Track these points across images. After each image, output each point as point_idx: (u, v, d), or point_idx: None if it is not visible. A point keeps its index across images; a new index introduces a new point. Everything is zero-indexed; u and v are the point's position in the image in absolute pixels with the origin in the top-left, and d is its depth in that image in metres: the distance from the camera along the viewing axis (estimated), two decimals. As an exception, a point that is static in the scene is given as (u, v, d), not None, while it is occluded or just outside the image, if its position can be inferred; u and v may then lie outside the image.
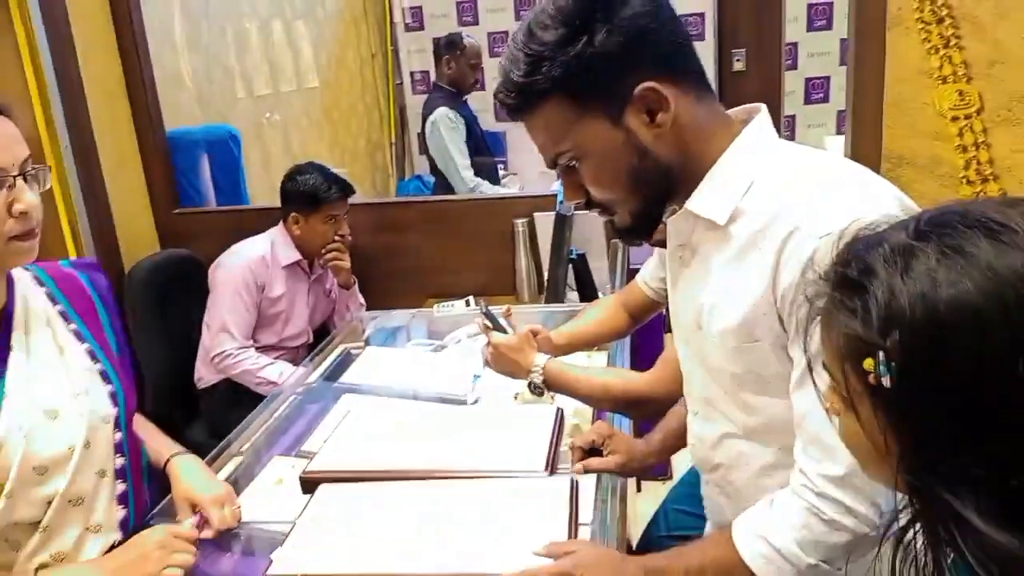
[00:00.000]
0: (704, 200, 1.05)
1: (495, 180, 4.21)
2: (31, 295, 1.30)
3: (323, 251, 2.75)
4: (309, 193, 2.67)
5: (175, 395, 2.74)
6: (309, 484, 1.40)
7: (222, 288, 2.64)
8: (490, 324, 1.69)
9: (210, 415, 2.71)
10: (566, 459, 1.52)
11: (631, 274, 1.92)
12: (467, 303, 2.57)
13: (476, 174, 4.04)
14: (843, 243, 0.74)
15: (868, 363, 0.66)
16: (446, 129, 3.86)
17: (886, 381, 0.65)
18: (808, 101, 5.48)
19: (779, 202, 0.98)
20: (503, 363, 1.63)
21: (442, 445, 1.49)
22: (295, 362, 2.63)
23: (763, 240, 0.98)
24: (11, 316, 1.25)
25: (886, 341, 0.65)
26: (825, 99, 5.44)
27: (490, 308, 1.72)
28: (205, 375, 2.72)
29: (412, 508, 1.28)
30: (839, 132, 5.15)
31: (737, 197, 1.03)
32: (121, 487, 1.33)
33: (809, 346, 0.78)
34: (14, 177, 1.15)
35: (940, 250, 0.65)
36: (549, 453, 1.42)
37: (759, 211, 1.00)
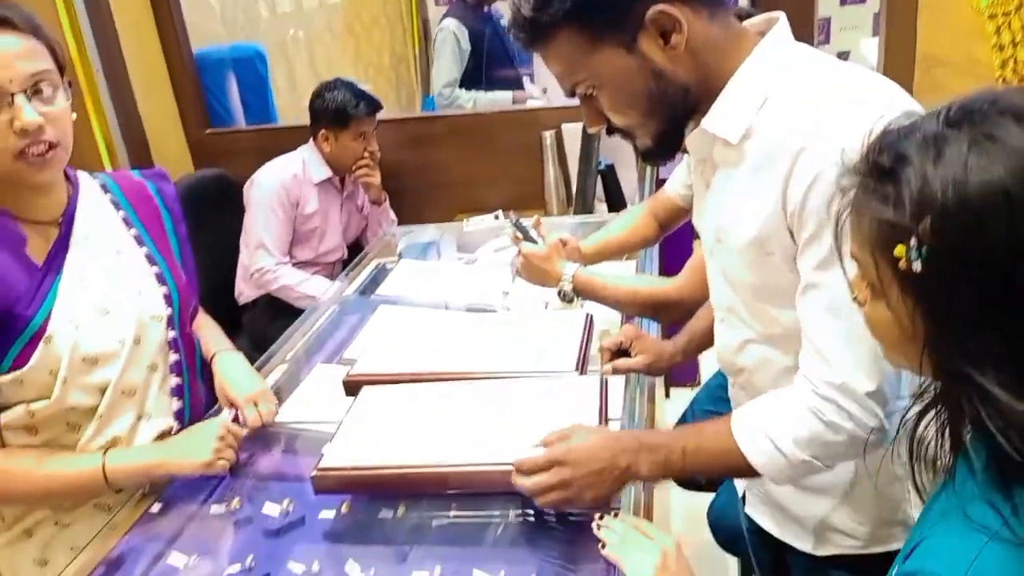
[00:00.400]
0: (718, 118, 1.06)
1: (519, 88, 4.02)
2: (95, 201, 1.37)
3: (353, 168, 2.77)
4: (338, 110, 2.68)
5: (217, 312, 2.73)
6: (352, 387, 1.44)
7: (257, 205, 2.70)
8: (520, 235, 1.72)
9: (252, 330, 2.78)
10: (596, 362, 1.55)
11: (660, 184, 1.93)
12: (496, 217, 2.60)
13: (495, 86, 3.87)
14: (874, 135, 0.76)
15: (900, 249, 0.68)
16: (439, 42, 3.76)
17: (917, 266, 0.68)
18: (843, 2, 5.29)
19: (790, 121, 0.99)
20: (533, 272, 1.65)
21: (476, 349, 1.51)
22: (331, 277, 2.70)
23: (775, 158, 0.99)
24: (72, 218, 1.33)
25: (918, 227, 0.67)
26: (861, 0, 5.25)
27: (520, 220, 1.75)
28: (245, 291, 2.80)
29: (449, 406, 1.32)
30: (875, 34, 4.99)
31: (750, 114, 1.03)
32: (175, 381, 1.42)
33: (840, 237, 0.79)
34: (12, 95, 1.16)
35: (971, 136, 0.67)
36: (580, 354, 1.45)
37: (771, 129, 1.01)
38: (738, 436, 1.07)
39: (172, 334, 1.41)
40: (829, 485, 1.18)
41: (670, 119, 1.08)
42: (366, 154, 2.76)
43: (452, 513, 1.26)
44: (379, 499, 1.27)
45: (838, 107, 0.97)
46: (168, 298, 1.40)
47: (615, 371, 1.50)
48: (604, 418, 1.29)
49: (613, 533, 1.08)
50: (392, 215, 2.97)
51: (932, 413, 0.79)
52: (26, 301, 1.23)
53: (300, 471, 1.39)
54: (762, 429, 1.05)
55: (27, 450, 1.29)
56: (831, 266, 0.96)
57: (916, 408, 0.79)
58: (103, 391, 1.30)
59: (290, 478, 1.41)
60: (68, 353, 1.25)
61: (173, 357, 1.42)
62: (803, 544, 1.26)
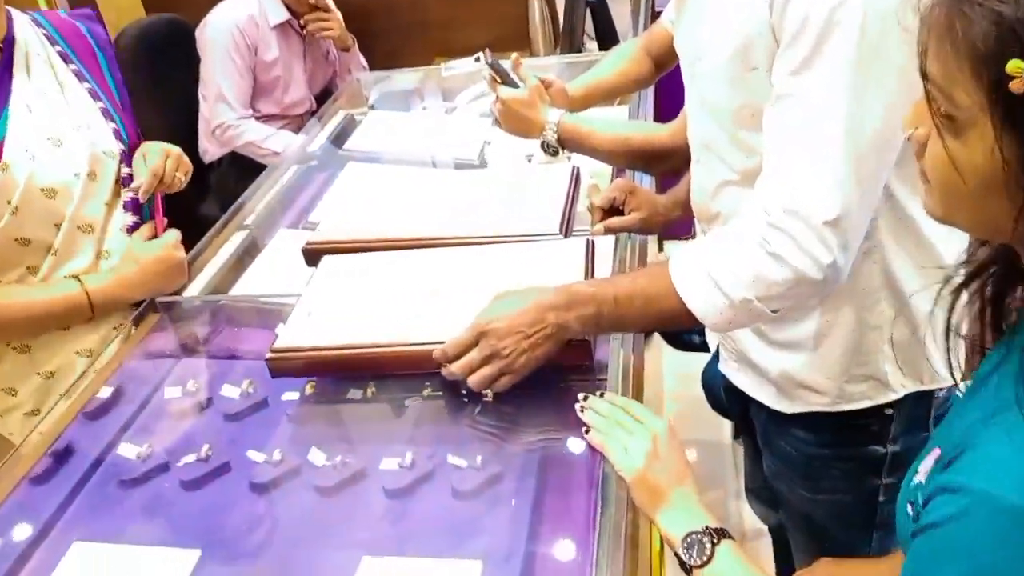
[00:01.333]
0: None
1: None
2: (30, 35, 1.34)
3: (305, 19, 2.53)
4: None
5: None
6: (313, 256, 1.32)
7: (212, 52, 2.47)
8: (498, 79, 1.53)
9: (220, 189, 2.61)
10: (583, 220, 1.44)
11: (655, 17, 1.72)
12: (477, 59, 2.37)
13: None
14: None
15: (1015, 65, 0.52)
16: None
17: None
18: None
19: None
20: (513, 121, 1.49)
21: (449, 210, 1.38)
22: (299, 131, 2.51)
23: None
24: (11, 47, 1.31)
25: None
26: None
27: (497, 60, 1.54)
28: (210, 149, 2.62)
29: (419, 276, 1.22)
30: None
31: None
32: (131, 219, 1.41)
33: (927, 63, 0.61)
34: None
35: None
36: (564, 214, 1.32)
37: None
38: (675, 275, 0.95)
39: (126, 171, 1.40)
40: (796, 337, 1.09)
41: None
42: None
43: (426, 392, 1.16)
44: (347, 379, 1.18)
45: None
46: (117, 133, 1.39)
47: (607, 231, 1.37)
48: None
49: (598, 415, 0.97)
50: (363, 60, 2.75)
51: (978, 283, 0.66)
52: None
53: (261, 349, 1.26)
54: (702, 267, 0.94)
55: None
56: (808, 69, 0.86)
57: (960, 275, 0.66)
58: (58, 226, 1.30)
59: (250, 356, 1.31)
60: (24, 182, 1.25)
61: (127, 195, 1.41)
62: (770, 400, 1.17)
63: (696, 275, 0.94)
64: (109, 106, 1.40)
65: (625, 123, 1.73)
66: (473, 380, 1.01)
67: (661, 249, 2.97)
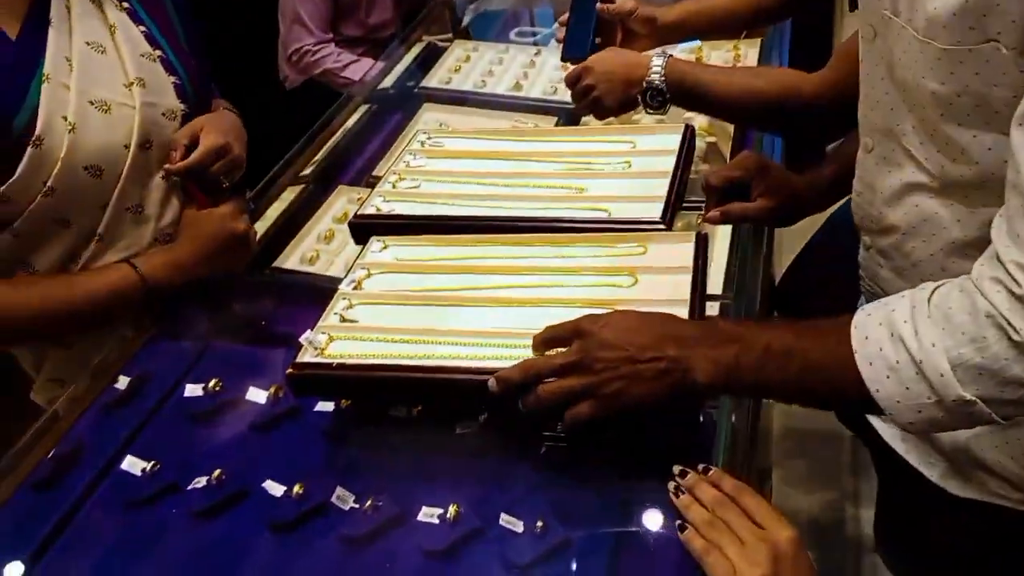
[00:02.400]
0: None
1: None
2: None
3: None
4: None
5: (261, 101, 2.46)
6: (360, 231, 1.13)
7: (289, -30, 2.26)
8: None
9: (303, 121, 2.44)
10: (695, 190, 1.17)
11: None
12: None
13: None
14: None
15: None
16: None
17: None
18: None
19: None
20: (608, 80, 1.23)
21: (532, 183, 1.16)
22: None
23: None
24: None
25: None
26: None
27: None
28: (290, 75, 2.45)
29: (481, 277, 1.02)
30: None
31: None
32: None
33: None
34: None
35: None
36: (669, 195, 1.06)
37: None
38: (860, 347, 0.68)
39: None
40: None
41: None
42: None
43: (482, 419, 0.96)
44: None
45: None
46: (180, 89, 1.15)
47: (724, 219, 1.08)
48: (698, 299, 0.91)
49: (700, 508, 0.72)
50: None
51: None
52: (3, 87, 1.00)
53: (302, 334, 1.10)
54: (902, 342, 0.66)
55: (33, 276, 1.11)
56: None
57: None
58: (104, 208, 1.10)
59: (290, 345, 1.11)
60: (61, 159, 1.03)
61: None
62: (936, 476, 0.90)
63: (891, 352, 0.66)
64: (171, 54, 1.15)
65: (756, 69, 1.43)
66: (547, 388, 0.77)
67: None
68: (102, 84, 1.06)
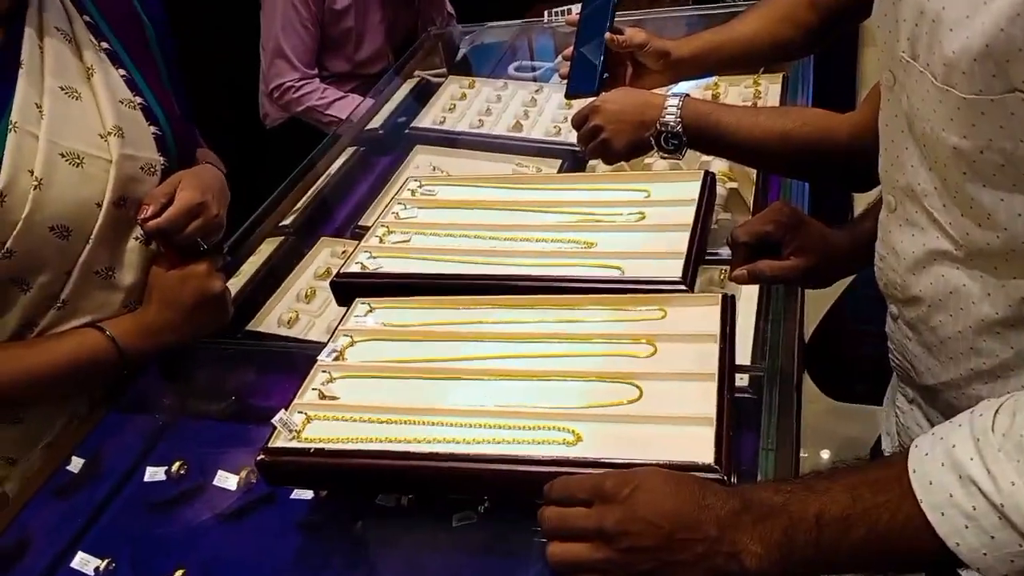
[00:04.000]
0: None
1: None
2: (48, 0, 1.05)
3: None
4: None
5: (240, 140, 2.47)
6: (343, 291, 1.10)
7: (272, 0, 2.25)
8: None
9: (283, 162, 2.42)
10: (715, 243, 1.14)
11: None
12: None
13: None
14: None
15: None
16: None
17: None
18: None
19: None
20: (618, 121, 1.19)
21: (535, 235, 1.12)
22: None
23: None
24: (21, 21, 1.01)
25: None
26: None
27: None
28: (271, 112, 2.44)
29: (479, 345, 0.98)
30: None
31: None
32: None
33: None
34: None
35: None
36: (690, 250, 1.02)
37: None
38: (923, 493, 0.62)
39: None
40: None
41: None
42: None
43: (481, 508, 0.90)
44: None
45: None
46: (161, 141, 1.09)
47: (753, 279, 1.02)
48: (727, 371, 0.86)
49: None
50: (449, 8, 2.49)
51: None
52: None
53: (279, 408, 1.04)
54: (975, 480, 0.60)
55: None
56: None
57: None
58: (69, 273, 1.04)
59: (264, 422, 1.04)
60: (24, 218, 0.97)
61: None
62: None
63: (964, 498, 0.60)
64: (152, 100, 1.10)
65: (782, 109, 1.39)
66: (557, 551, 0.70)
67: None
68: (75, 134, 1.01)
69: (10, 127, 0.96)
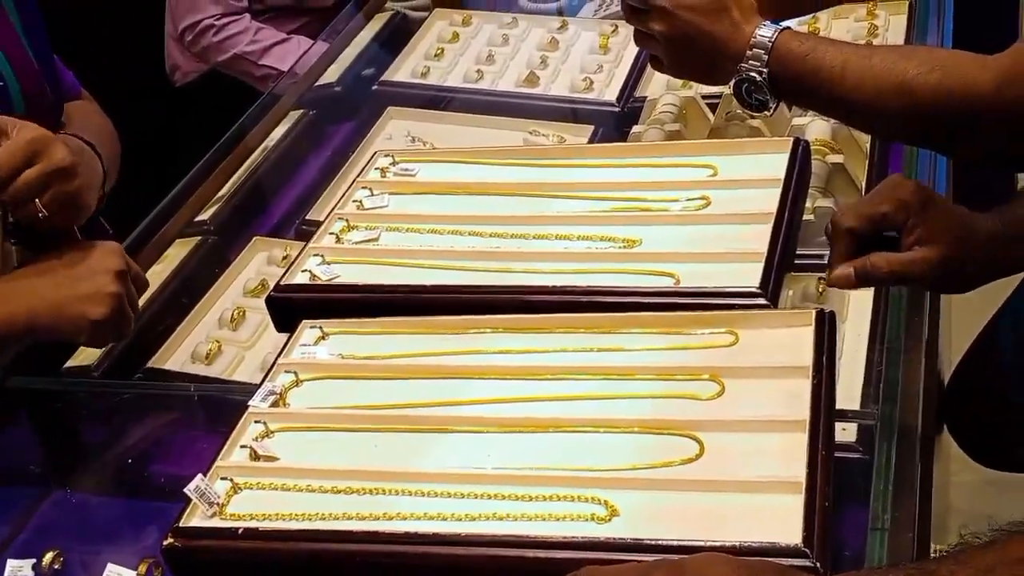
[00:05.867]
0: None
1: None
2: None
3: None
4: None
5: (137, 99, 2.62)
6: (284, 312, 1.17)
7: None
8: None
9: (198, 133, 2.51)
10: (809, 241, 1.21)
11: None
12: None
13: None
14: None
15: None
16: None
17: None
18: None
19: None
20: (684, 46, 1.30)
21: (545, 233, 1.19)
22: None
23: None
24: None
25: None
26: None
27: None
28: (181, 64, 2.59)
29: (470, 385, 1.03)
30: None
31: None
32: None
33: None
34: None
35: None
36: (773, 254, 1.07)
37: None
38: None
39: None
40: None
41: None
42: None
43: None
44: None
45: None
46: (4, 94, 1.23)
47: (862, 280, 1.09)
48: (823, 420, 0.91)
49: None
50: None
51: None
52: None
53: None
54: None
55: None
56: None
57: None
58: None
59: (171, 497, 1.11)
60: None
61: None
62: None
63: None
64: None
65: (906, 49, 1.46)
66: None
67: None
68: None
69: None
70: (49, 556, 1.07)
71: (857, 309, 1.20)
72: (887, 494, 0.95)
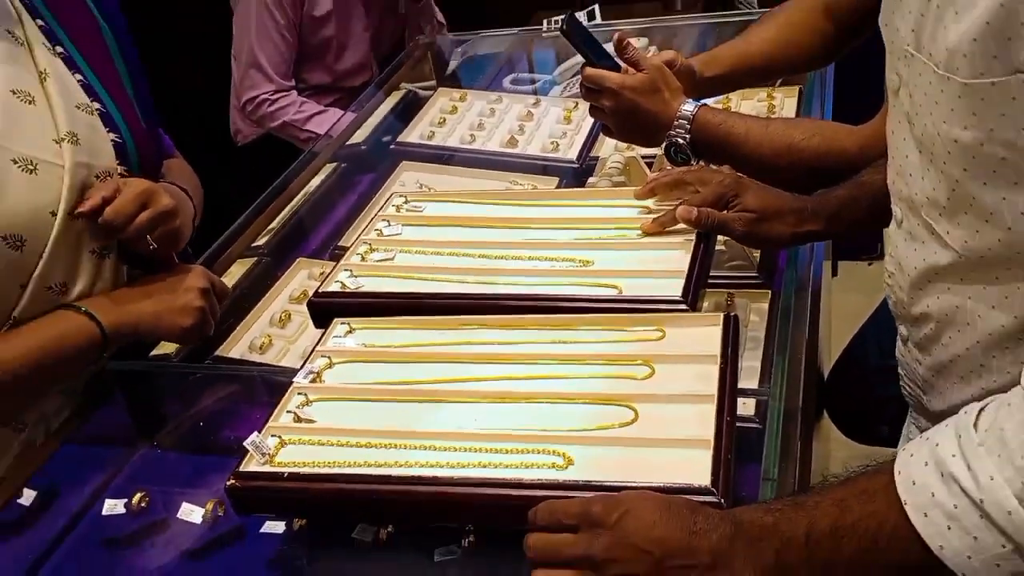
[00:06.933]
0: None
1: None
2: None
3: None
4: None
5: (208, 155, 2.55)
6: (322, 313, 1.15)
7: (245, 6, 2.35)
8: (582, 48, 1.33)
9: (255, 183, 2.50)
10: (720, 266, 1.25)
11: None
12: (590, 16, 2.16)
13: None
14: None
15: None
16: None
17: None
18: None
19: None
20: (627, 117, 1.31)
21: (526, 252, 1.19)
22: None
23: None
24: None
25: None
26: None
27: (581, 24, 1.34)
28: (242, 129, 2.54)
29: (466, 366, 1.04)
30: None
31: None
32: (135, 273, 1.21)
33: None
34: None
35: None
36: (692, 271, 1.08)
37: None
38: (908, 497, 0.67)
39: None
40: None
41: None
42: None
43: (466, 542, 0.95)
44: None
45: None
46: (120, 149, 1.17)
47: (699, 224, 1.12)
48: (727, 393, 0.92)
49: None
50: (439, 16, 2.60)
51: None
52: None
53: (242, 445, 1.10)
54: (956, 477, 0.65)
55: None
56: None
57: None
58: (24, 286, 1.09)
59: (232, 453, 1.10)
60: None
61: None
62: None
63: (946, 496, 0.66)
64: (112, 107, 1.17)
65: (793, 121, 1.47)
66: None
67: (835, 273, 2.71)
68: (28, 139, 1.08)
69: None
70: (137, 497, 1.05)
71: (756, 317, 1.20)
72: (775, 453, 0.95)
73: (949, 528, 0.64)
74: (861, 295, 1.30)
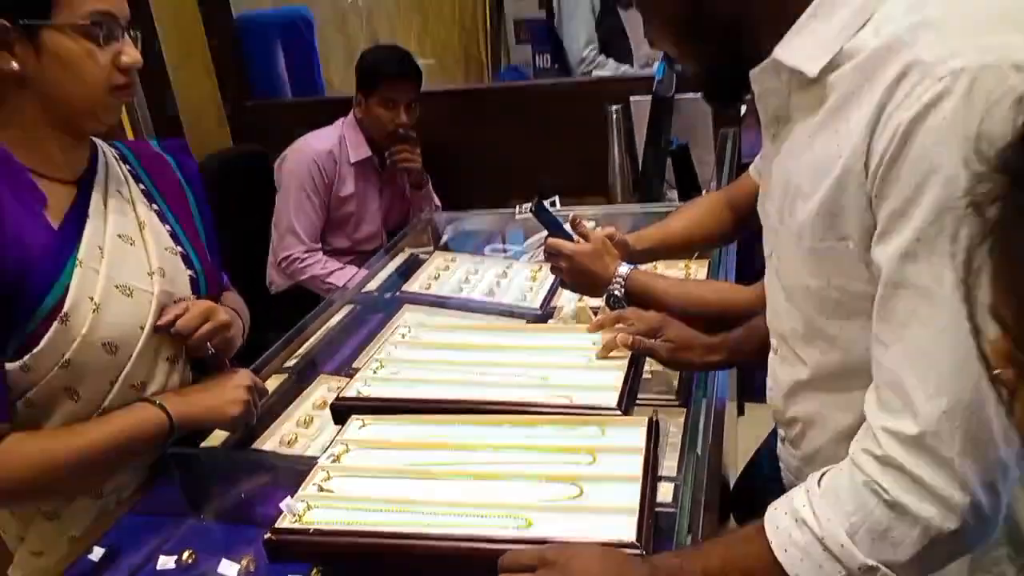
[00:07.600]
0: (793, 44, 0.78)
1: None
2: (113, 171, 1.24)
3: (390, 152, 2.51)
4: (368, 68, 2.42)
5: (249, 301, 2.62)
6: (341, 412, 1.22)
7: (287, 186, 2.47)
8: (548, 227, 1.45)
9: (286, 322, 2.57)
10: (647, 389, 1.32)
11: (741, 170, 1.62)
12: (552, 204, 2.31)
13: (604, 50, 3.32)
14: None
15: None
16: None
17: None
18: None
19: (896, 28, 0.70)
20: (578, 275, 1.42)
21: (498, 372, 1.27)
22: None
23: (865, 86, 0.71)
24: (91, 185, 1.20)
25: None
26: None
27: (546, 209, 1.47)
28: (277, 280, 2.60)
29: (456, 454, 1.10)
30: None
31: (844, 36, 0.74)
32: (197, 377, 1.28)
33: (973, 278, 0.49)
34: (123, 29, 1.13)
35: None
36: (624, 387, 1.17)
37: (867, 48, 0.72)
38: (774, 539, 0.77)
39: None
40: None
41: (713, 51, 0.85)
42: (400, 130, 2.46)
43: None
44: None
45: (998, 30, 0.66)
46: (195, 283, 1.27)
47: (631, 347, 1.23)
48: (650, 478, 1.00)
49: None
50: (435, 200, 2.70)
51: None
52: (42, 269, 1.10)
53: (274, 515, 1.12)
54: (807, 526, 0.75)
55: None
56: (930, 254, 0.67)
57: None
58: (112, 383, 1.17)
59: (259, 523, 1.15)
60: (82, 335, 1.12)
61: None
62: None
63: (798, 537, 0.75)
64: (190, 250, 1.29)
65: (703, 282, 1.61)
66: None
67: (741, 412, 2.75)
68: (128, 271, 1.17)
69: (78, 263, 1.13)
70: (186, 554, 1.09)
71: (675, 428, 1.26)
72: (685, 528, 1.00)
73: (802, 560, 0.73)
74: (763, 429, 1.40)
